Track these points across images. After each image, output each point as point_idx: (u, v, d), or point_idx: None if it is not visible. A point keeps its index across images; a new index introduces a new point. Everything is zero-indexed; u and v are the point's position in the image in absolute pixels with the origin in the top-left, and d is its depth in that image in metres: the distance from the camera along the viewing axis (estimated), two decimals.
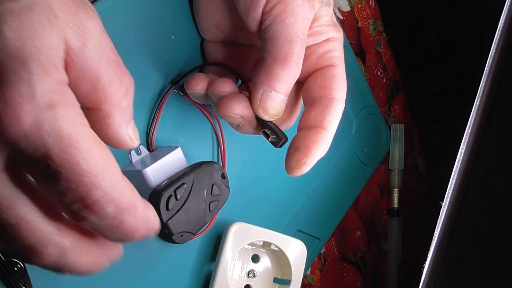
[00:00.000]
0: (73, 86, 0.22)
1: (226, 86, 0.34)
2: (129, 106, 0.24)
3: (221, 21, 0.38)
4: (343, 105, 0.35)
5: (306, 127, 0.34)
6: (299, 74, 0.32)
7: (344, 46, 0.57)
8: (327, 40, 0.36)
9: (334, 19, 0.37)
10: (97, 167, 0.20)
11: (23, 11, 0.20)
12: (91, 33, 0.23)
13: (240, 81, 0.38)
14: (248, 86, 0.34)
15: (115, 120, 0.24)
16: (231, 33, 0.38)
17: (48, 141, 0.19)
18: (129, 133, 0.25)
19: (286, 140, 0.33)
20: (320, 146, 0.33)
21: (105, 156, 0.21)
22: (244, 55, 0.39)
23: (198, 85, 0.36)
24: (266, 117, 0.33)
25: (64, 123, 0.20)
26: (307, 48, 0.35)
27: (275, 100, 0.32)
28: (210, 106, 0.41)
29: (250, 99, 0.33)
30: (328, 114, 0.34)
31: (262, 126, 0.33)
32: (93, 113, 0.24)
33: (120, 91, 0.24)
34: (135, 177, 0.36)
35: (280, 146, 0.33)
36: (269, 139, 0.33)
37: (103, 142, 0.21)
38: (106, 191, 0.21)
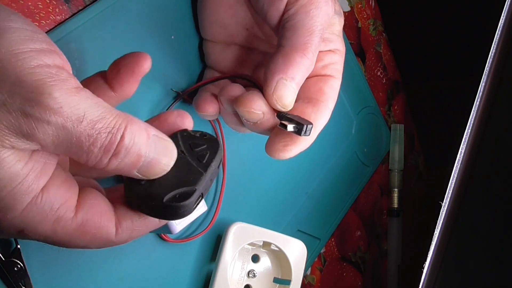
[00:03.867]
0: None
1: (238, 91, 0.35)
2: (120, 166, 0.24)
3: (227, 19, 0.38)
4: (330, 114, 0.35)
5: None
6: (313, 67, 0.33)
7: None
8: (333, 51, 0.37)
9: (342, 32, 0.38)
10: None
11: None
12: (43, 137, 0.22)
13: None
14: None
15: (113, 173, 0.25)
16: (235, 33, 0.38)
17: None
18: (136, 175, 0.26)
19: (310, 123, 0.32)
20: (309, 139, 0.34)
21: None
22: (244, 58, 0.39)
23: (211, 107, 0.36)
24: (278, 106, 0.32)
25: None
26: None
27: (289, 89, 0.32)
28: None
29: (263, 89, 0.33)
30: (319, 116, 0.34)
31: (280, 118, 0.32)
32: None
33: (98, 154, 0.23)
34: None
35: (306, 133, 0.31)
36: (291, 129, 0.32)
37: None
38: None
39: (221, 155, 0.31)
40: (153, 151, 0.25)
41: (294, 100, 0.33)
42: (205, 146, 0.31)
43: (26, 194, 0.22)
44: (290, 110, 0.33)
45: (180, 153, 0.29)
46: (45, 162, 0.23)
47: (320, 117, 0.34)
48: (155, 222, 0.28)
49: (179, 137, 0.30)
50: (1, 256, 0.32)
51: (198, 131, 0.32)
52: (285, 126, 0.32)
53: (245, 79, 0.37)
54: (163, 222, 0.29)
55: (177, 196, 0.27)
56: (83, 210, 0.25)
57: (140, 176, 0.26)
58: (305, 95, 0.35)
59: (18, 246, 0.32)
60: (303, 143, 0.33)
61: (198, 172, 0.28)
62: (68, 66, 0.24)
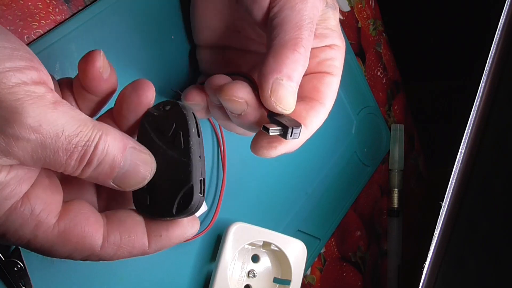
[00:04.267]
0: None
1: (222, 80, 0.33)
2: (93, 174, 0.25)
3: (217, 23, 0.37)
4: (327, 114, 0.34)
5: None
6: (307, 64, 0.31)
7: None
8: (330, 46, 0.35)
9: (339, 27, 0.36)
10: None
11: None
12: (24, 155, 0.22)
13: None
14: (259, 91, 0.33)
15: (92, 181, 0.26)
16: (227, 37, 0.38)
17: None
18: (113, 185, 0.26)
19: (299, 125, 0.29)
20: (301, 143, 0.33)
21: None
22: (237, 61, 0.39)
23: (197, 96, 0.35)
24: (279, 108, 0.30)
25: None
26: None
27: (287, 89, 0.29)
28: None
29: (259, 94, 0.31)
30: (312, 115, 0.33)
31: (270, 117, 0.30)
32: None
33: (74, 167, 0.24)
34: None
35: (293, 136, 0.29)
36: (274, 132, 0.29)
37: None
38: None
39: (192, 123, 0.28)
40: (128, 163, 0.25)
41: (295, 100, 0.31)
42: (173, 124, 0.28)
43: (7, 199, 0.23)
44: None
45: (158, 149, 0.28)
46: (28, 169, 0.24)
47: (314, 117, 0.32)
48: (142, 243, 0.27)
49: (147, 126, 0.28)
50: (1, 256, 0.32)
51: (158, 105, 0.29)
52: (267, 130, 0.29)
53: (242, 77, 0.36)
54: (153, 248, 0.28)
55: (182, 202, 0.27)
56: (68, 217, 0.25)
57: (116, 187, 0.26)
58: (298, 93, 0.33)
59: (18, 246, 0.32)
60: (291, 143, 0.31)
61: (183, 164, 0.27)
62: (47, 78, 0.24)
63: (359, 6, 0.62)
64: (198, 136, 0.28)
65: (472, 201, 0.48)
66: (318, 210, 0.55)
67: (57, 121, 0.22)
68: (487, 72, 0.49)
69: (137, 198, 0.28)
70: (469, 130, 0.48)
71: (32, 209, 0.24)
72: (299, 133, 0.29)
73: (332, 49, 0.35)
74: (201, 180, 0.27)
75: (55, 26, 0.34)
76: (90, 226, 0.25)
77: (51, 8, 0.34)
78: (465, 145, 0.48)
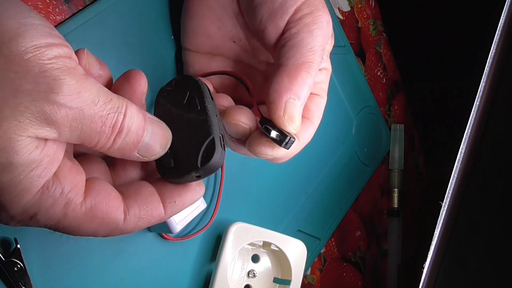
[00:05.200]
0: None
1: (226, 101, 0.34)
2: (122, 145, 0.26)
3: (213, 30, 0.37)
4: (315, 131, 0.35)
5: None
6: (312, 88, 0.32)
7: (344, 46, 0.58)
8: (320, 70, 0.36)
9: (329, 52, 0.38)
10: None
11: None
12: (60, 123, 0.24)
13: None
14: (254, 96, 0.34)
15: (116, 156, 0.27)
16: (221, 45, 0.37)
17: None
18: (138, 157, 0.27)
19: (294, 138, 0.31)
20: (291, 155, 0.34)
21: None
22: (226, 70, 0.38)
23: None
24: (291, 128, 0.31)
25: None
26: None
27: (298, 110, 0.31)
28: None
29: (255, 110, 0.33)
30: (304, 130, 0.34)
31: (262, 124, 0.31)
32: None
33: (107, 136, 0.25)
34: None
35: (287, 145, 0.31)
36: (273, 135, 0.31)
37: None
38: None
39: (205, 88, 0.30)
40: (150, 132, 0.27)
41: (301, 122, 0.32)
42: (187, 92, 0.30)
43: (40, 178, 0.24)
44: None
45: (176, 116, 0.29)
46: (56, 149, 0.25)
47: (305, 132, 0.34)
48: (160, 212, 0.28)
49: (162, 101, 0.30)
50: (1, 256, 0.32)
51: (170, 82, 0.32)
52: (269, 131, 0.31)
53: (233, 77, 0.36)
54: (168, 214, 0.29)
55: (205, 154, 0.28)
56: (92, 195, 0.26)
57: (141, 157, 0.27)
58: None
59: (18, 246, 0.32)
60: (284, 151, 0.32)
61: (202, 121, 0.29)
62: (75, 57, 0.26)
63: (359, 6, 0.62)
64: (212, 99, 0.30)
65: (472, 201, 0.48)
66: (318, 210, 0.55)
67: (92, 89, 0.24)
68: (487, 72, 0.49)
69: (161, 164, 0.29)
70: (469, 130, 0.48)
71: (63, 189, 0.25)
72: (291, 144, 0.31)
73: (322, 72, 0.36)
74: (221, 136, 0.29)
75: (55, 26, 0.34)
76: (113, 201, 0.27)
77: (51, 8, 0.34)
78: (465, 145, 0.48)
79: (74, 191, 0.25)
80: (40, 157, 0.23)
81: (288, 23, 0.32)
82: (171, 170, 0.29)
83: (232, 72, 0.37)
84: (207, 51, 0.38)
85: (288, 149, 0.31)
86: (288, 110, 0.30)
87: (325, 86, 0.37)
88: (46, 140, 0.24)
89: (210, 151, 0.28)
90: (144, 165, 0.31)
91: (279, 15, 0.32)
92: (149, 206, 0.28)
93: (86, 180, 0.27)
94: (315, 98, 0.36)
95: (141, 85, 0.29)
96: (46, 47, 0.23)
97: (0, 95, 0.22)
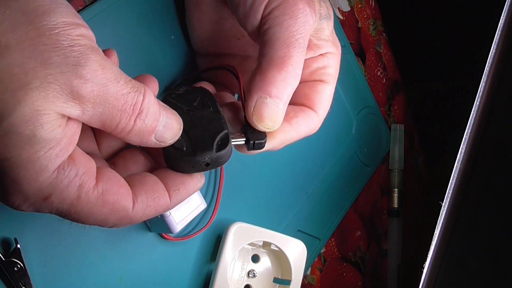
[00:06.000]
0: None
1: (228, 97, 0.34)
2: (142, 127, 0.26)
3: (215, 34, 0.37)
4: (320, 122, 0.34)
5: None
6: (298, 82, 0.31)
7: (344, 46, 0.58)
8: (322, 55, 0.35)
9: (335, 34, 0.36)
10: None
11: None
12: (86, 99, 0.24)
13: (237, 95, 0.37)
14: (242, 89, 0.34)
15: (134, 141, 0.27)
16: (227, 45, 0.38)
17: None
18: (155, 142, 0.27)
19: (262, 137, 0.31)
20: (284, 137, 0.33)
21: None
22: (239, 68, 0.39)
23: None
24: (261, 127, 0.31)
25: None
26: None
27: (271, 108, 0.30)
28: None
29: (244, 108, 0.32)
30: (301, 116, 0.33)
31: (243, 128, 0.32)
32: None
33: (129, 116, 0.25)
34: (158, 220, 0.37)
35: (253, 148, 0.31)
36: (238, 143, 0.31)
37: None
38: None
39: (215, 98, 0.32)
40: (165, 116, 0.27)
41: (282, 119, 0.31)
42: (198, 97, 0.31)
43: (58, 157, 0.24)
44: None
45: (188, 111, 0.30)
46: (74, 131, 0.25)
47: (302, 118, 0.33)
48: (166, 200, 0.28)
49: (172, 101, 0.31)
50: (1, 256, 0.32)
51: (180, 88, 0.32)
52: (235, 136, 0.31)
53: (228, 70, 0.36)
54: (174, 202, 0.29)
55: (220, 143, 0.29)
56: (103, 180, 0.26)
57: (158, 143, 0.27)
58: (289, 101, 0.33)
59: (18, 246, 0.32)
60: (276, 147, 0.33)
61: (216, 118, 0.30)
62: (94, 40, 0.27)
63: (359, 6, 0.62)
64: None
65: (472, 201, 0.48)
66: (318, 210, 0.55)
67: (113, 69, 0.25)
68: (487, 72, 0.49)
69: (170, 150, 0.29)
70: (469, 130, 0.48)
71: (77, 170, 0.25)
72: (260, 146, 0.31)
73: (325, 57, 0.35)
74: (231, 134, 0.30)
75: None
76: (122, 188, 0.27)
77: None
78: (465, 145, 0.48)
79: (87, 174, 0.25)
80: (60, 136, 0.24)
81: (261, 20, 0.31)
82: (182, 153, 0.29)
83: (225, 65, 0.36)
84: (215, 53, 0.39)
85: (260, 149, 0.31)
86: (257, 109, 0.30)
87: (331, 71, 0.35)
88: (68, 120, 0.24)
89: (224, 142, 0.29)
90: (145, 161, 0.31)
91: (252, 14, 0.31)
92: (156, 194, 0.28)
93: (96, 167, 0.27)
94: (317, 85, 0.34)
95: (154, 87, 0.30)
96: (74, 25, 0.24)
97: (31, 66, 0.22)
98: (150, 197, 0.28)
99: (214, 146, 0.29)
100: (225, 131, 0.30)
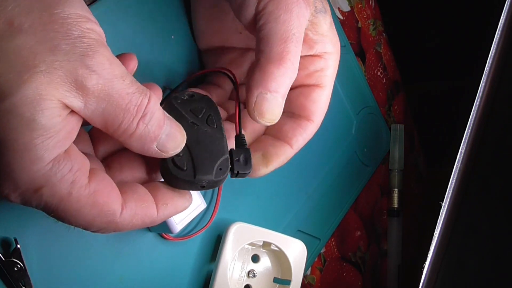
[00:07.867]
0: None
1: (231, 109, 0.35)
2: (145, 132, 0.26)
3: (217, 28, 0.37)
4: (316, 128, 0.34)
5: (274, 136, 0.35)
6: (296, 75, 0.31)
7: (344, 46, 0.58)
8: (319, 55, 0.35)
9: (334, 30, 0.35)
10: None
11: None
12: (90, 92, 0.24)
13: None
14: (238, 91, 0.34)
15: (135, 146, 0.27)
16: (229, 38, 0.38)
17: None
18: (156, 151, 0.27)
19: (247, 169, 0.32)
20: (281, 160, 0.34)
21: None
22: (240, 60, 0.39)
23: None
24: (262, 122, 0.31)
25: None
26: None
27: (271, 102, 0.30)
28: None
29: (245, 104, 0.32)
30: (298, 134, 0.33)
31: (236, 140, 0.32)
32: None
33: (132, 116, 0.25)
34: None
35: (237, 176, 0.32)
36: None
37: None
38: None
39: (219, 112, 0.32)
40: (169, 125, 0.27)
41: (281, 112, 0.31)
42: (204, 108, 0.31)
43: (55, 149, 0.24)
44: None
45: (192, 125, 0.30)
46: (74, 126, 0.25)
47: (299, 135, 0.33)
48: (153, 212, 0.28)
49: (178, 107, 0.31)
50: (1, 256, 0.32)
51: (185, 93, 0.32)
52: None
53: (224, 74, 0.36)
54: (160, 216, 0.29)
55: (220, 169, 0.30)
56: (96, 180, 0.26)
57: (159, 152, 0.27)
58: (286, 108, 0.33)
59: (18, 246, 0.32)
60: (274, 165, 0.34)
61: (219, 139, 0.30)
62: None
63: (359, 6, 0.62)
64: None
65: (472, 201, 0.48)
66: (318, 210, 0.55)
67: (120, 67, 0.25)
68: (487, 72, 0.48)
69: (169, 165, 0.29)
70: (469, 130, 0.48)
71: (72, 166, 0.25)
72: (247, 174, 0.32)
73: (322, 58, 0.35)
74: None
75: None
76: (113, 191, 0.26)
77: None
78: (465, 145, 0.48)
79: (81, 171, 0.25)
80: (59, 127, 0.23)
81: (255, 13, 0.31)
82: (182, 172, 0.29)
83: (223, 68, 0.36)
84: (218, 47, 0.39)
85: (243, 177, 0.32)
86: (258, 105, 0.30)
87: (328, 73, 0.35)
88: (68, 112, 0.24)
89: (223, 168, 0.30)
90: (139, 169, 0.31)
91: (244, 8, 0.31)
92: (145, 204, 0.28)
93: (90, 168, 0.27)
94: (312, 92, 0.34)
95: (158, 96, 0.30)
96: (86, 18, 0.24)
97: (39, 50, 0.23)
98: (139, 206, 0.27)
99: (214, 171, 0.29)
100: (226, 156, 0.30)
